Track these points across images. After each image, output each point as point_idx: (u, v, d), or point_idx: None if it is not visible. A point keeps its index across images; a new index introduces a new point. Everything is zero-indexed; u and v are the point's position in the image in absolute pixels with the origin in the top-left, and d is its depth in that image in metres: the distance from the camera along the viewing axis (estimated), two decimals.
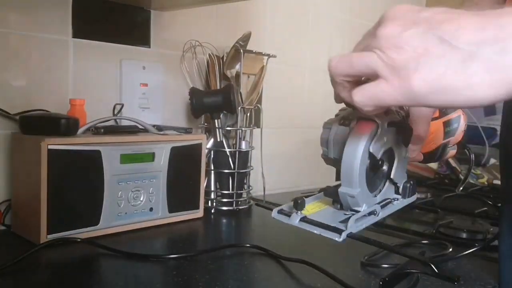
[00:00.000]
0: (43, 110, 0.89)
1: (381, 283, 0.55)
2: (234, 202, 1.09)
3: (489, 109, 1.68)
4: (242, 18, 1.23)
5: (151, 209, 0.90)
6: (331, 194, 0.48)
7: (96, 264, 0.72)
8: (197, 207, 0.98)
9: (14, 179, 0.84)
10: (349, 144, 0.45)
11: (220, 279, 0.67)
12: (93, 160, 0.80)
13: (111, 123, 0.95)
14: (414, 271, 0.60)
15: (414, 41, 0.34)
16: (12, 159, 0.85)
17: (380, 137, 0.46)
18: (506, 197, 0.67)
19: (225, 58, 1.11)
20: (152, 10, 1.06)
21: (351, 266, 0.74)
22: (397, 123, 0.49)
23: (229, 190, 1.09)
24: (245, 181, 1.11)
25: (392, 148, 0.49)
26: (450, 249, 0.81)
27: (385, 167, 0.50)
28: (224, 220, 1.03)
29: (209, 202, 1.08)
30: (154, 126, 0.97)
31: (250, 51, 1.10)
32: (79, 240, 0.77)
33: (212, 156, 1.08)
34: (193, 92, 1.03)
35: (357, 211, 0.46)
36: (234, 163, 1.08)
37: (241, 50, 1.07)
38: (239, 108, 1.06)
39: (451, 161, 1.54)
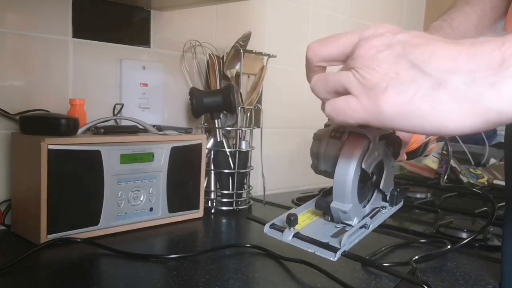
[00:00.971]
0: (43, 110, 0.89)
1: None
2: (234, 202, 1.09)
3: None
4: (242, 18, 1.24)
5: (151, 209, 0.90)
6: (323, 208, 0.48)
7: (96, 264, 0.72)
8: (197, 207, 0.98)
9: (14, 179, 0.84)
10: (341, 161, 0.44)
11: (220, 279, 0.67)
12: (93, 160, 0.80)
13: (111, 123, 0.96)
14: None
15: (387, 63, 0.34)
16: (12, 159, 0.85)
17: (372, 152, 0.45)
18: (511, 198, 0.67)
19: (225, 58, 1.11)
20: (152, 10, 1.06)
21: (351, 266, 0.74)
22: (387, 136, 0.48)
23: (229, 190, 1.09)
24: (245, 181, 1.11)
25: (382, 160, 0.49)
26: (449, 246, 0.82)
27: (374, 178, 0.50)
28: (224, 220, 1.03)
29: (209, 202, 1.08)
30: (154, 126, 0.97)
31: (250, 51, 1.10)
32: (79, 240, 0.77)
33: (212, 156, 1.08)
34: (193, 92, 1.03)
35: (348, 224, 0.46)
36: (234, 163, 1.08)
37: (241, 50, 1.07)
38: (239, 108, 1.06)
39: (451, 161, 1.54)
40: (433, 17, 2.00)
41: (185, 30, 1.12)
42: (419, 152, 0.63)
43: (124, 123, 0.97)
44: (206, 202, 1.05)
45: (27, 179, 0.79)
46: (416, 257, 0.77)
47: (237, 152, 1.08)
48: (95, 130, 0.86)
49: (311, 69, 0.42)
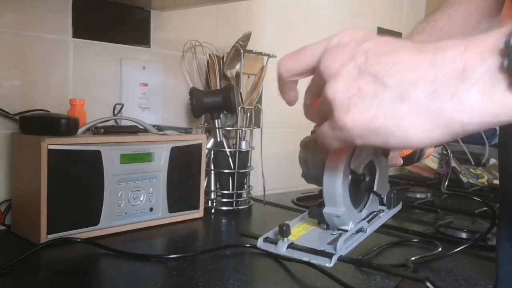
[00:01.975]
0: (43, 110, 0.89)
1: None
2: (234, 202, 1.09)
3: None
4: (242, 18, 1.24)
5: (151, 209, 0.90)
6: (316, 216, 0.47)
7: (96, 264, 0.72)
8: (197, 207, 0.98)
9: (14, 179, 0.84)
10: (328, 164, 0.44)
11: (220, 279, 0.67)
12: (93, 160, 0.80)
13: (111, 123, 0.95)
14: None
15: (349, 78, 0.33)
16: (12, 159, 0.85)
17: (359, 152, 0.45)
18: (504, 199, 0.67)
19: (225, 58, 1.11)
20: (152, 10, 1.06)
21: (351, 266, 0.74)
22: None
23: (229, 190, 1.09)
24: (245, 181, 1.11)
25: (372, 161, 0.48)
26: (440, 249, 0.82)
27: (367, 180, 0.49)
28: (224, 220, 1.03)
29: (209, 202, 1.08)
30: (154, 126, 0.97)
31: (250, 51, 1.10)
32: (79, 240, 0.77)
33: (212, 156, 1.08)
34: (193, 92, 1.03)
35: (344, 230, 0.45)
36: (234, 163, 1.08)
37: (241, 50, 1.07)
38: (239, 108, 1.06)
39: (452, 161, 1.54)
40: None
41: (185, 30, 1.12)
42: (415, 157, 0.62)
43: (124, 123, 0.97)
44: (206, 202, 1.05)
45: (27, 179, 0.79)
46: (416, 257, 0.77)
47: (237, 152, 1.08)
48: (95, 130, 0.86)
49: (285, 84, 0.41)
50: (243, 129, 1.10)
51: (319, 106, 0.37)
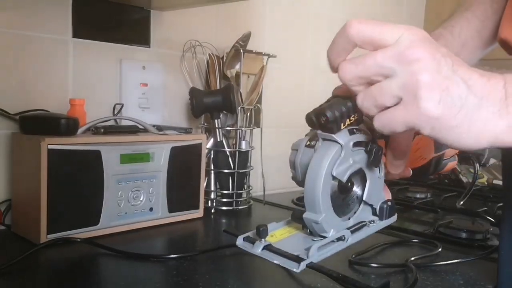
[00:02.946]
0: (43, 110, 0.89)
1: None
2: (234, 202, 1.09)
3: None
4: (242, 18, 1.24)
5: (151, 209, 0.90)
6: (297, 219, 0.46)
7: (96, 264, 0.72)
8: (197, 207, 0.98)
9: (14, 179, 0.84)
10: (311, 168, 0.43)
11: (220, 279, 0.67)
12: (93, 160, 0.80)
13: (111, 123, 0.96)
14: None
15: (442, 73, 0.36)
16: (12, 159, 0.85)
17: (345, 159, 0.43)
18: (508, 200, 0.67)
19: (225, 58, 1.11)
20: (152, 10, 1.06)
21: (351, 266, 0.74)
22: (363, 142, 0.45)
23: (229, 190, 1.09)
24: (245, 181, 1.11)
25: (362, 169, 0.46)
26: (440, 249, 0.82)
27: (357, 189, 0.48)
28: (224, 220, 1.03)
29: (209, 202, 1.08)
30: (154, 126, 0.97)
31: (250, 51, 1.10)
32: (79, 240, 0.77)
33: (212, 156, 1.08)
34: (193, 92, 1.03)
35: (324, 237, 0.44)
36: (234, 163, 1.08)
37: (241, 50, 1.07)
38: (239, 108, 1.06)
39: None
40: (432, 17, 2.00)
41: (185, 30, 1.12)
42: (431, 170, 0.60)
43: (124, 123, 0.97)
44: (206, 202, 1.05)
45: (27, 179, 0.79)
46: (416, 257, 0.77)
47: (237, 152, 1.08)
48: (95, 130, 0.86)
49: (342, 47, 0.40)
50: (243, 129, 1.10)
51: (364, 74, 0.38)
